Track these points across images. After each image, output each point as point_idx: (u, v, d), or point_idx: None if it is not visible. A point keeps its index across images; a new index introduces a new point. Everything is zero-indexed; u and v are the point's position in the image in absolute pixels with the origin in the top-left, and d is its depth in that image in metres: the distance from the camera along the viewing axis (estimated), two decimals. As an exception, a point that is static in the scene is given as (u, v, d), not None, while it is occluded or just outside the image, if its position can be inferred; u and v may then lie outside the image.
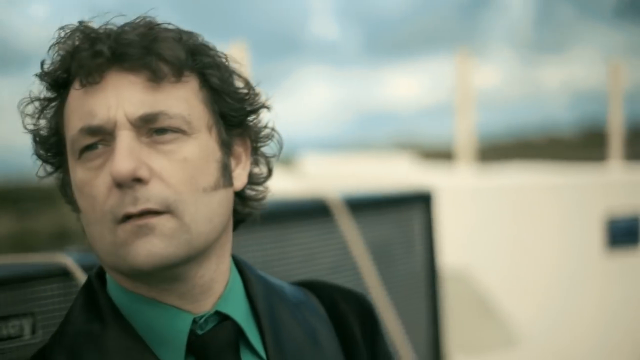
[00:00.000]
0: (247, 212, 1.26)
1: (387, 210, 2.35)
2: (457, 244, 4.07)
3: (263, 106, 1.25)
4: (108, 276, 1.21)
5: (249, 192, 1.26)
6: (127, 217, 1.11)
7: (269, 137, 1.28)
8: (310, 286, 1.28)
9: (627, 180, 5.04)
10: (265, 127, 1.27)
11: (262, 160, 1.28)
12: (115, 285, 1.19)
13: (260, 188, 1.28)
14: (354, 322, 1.21)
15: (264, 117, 1.27)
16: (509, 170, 5.40)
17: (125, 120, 1.13)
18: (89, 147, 1.14)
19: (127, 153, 1.11)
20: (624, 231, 4.94)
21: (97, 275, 1.22)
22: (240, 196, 1.24)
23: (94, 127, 1.13)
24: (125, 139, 1.12)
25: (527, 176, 4.99)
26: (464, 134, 4.96)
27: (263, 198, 1.27)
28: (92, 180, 1.14)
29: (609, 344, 4.82)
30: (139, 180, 1.11)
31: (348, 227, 2.14)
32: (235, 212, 1.24)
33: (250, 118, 1.24)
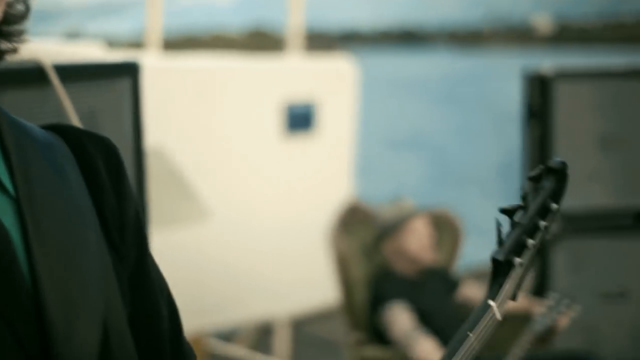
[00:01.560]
0: None
1: (97, 79, 2.39)
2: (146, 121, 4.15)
3: None
4: None
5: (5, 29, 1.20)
6: None
7: None
8: (58, 129, 1.27)
9: (303, 69, 5.33)
10: None
11: None
12: None
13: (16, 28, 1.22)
14: (99, 163, 1.22)
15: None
16: (198, 57, 5.52)
17: None
18: None
19: None
20: (300, 117, 5.26)
21: None
22: None
23: None
24: None
25: (213, 61, 5.13)
26: (152, 25, 5.00)
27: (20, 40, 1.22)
28: None
29: (289, 218, 5.17)
30: None
31: (61, 93, 2.16)
32: None
33: None
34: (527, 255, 1.30)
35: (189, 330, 4.77)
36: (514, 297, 1.31)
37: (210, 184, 4.78)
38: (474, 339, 1.27)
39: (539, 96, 4.79)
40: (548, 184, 1.33)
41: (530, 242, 1.31)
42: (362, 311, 3.64)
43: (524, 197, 1.31)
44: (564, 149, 4.83)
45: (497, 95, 30.40)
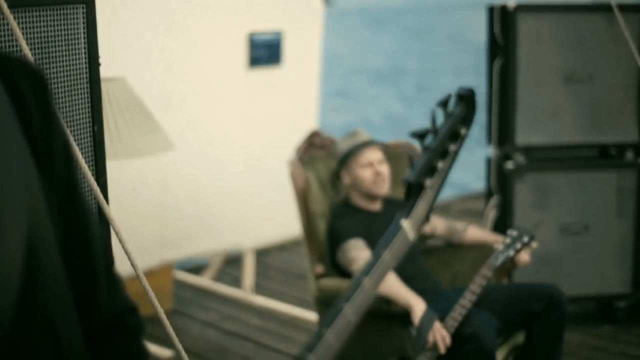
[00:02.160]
0: None
1: (50, 6, 2.35)
2: (109, 53, 4.10)
3: None
4: None
5: None
6: None
7: None
8: None
9: (268, 2, 5.26)
10: None
11: None
12: None
13: None
14: (25, 87, 1.21)
15: None
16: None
17: None
18: None
19: None
20: (265, 47, 5.21)
21: None
22: None
23: None
24: None
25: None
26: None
27: None
28: None
29: (254, 150, 5.16)
30: None
31: (11, 21, 2.12)
32: None
33: None
34: (438, 177, 1.33)
35: (155, 261, 4.78)
36: (427, 218, 1.34)
37: (175, 115, 4.75)
38: (388, 257, 1.29)
39: (502, 29, 4.77)
40: (458, 110, 1.35)
41: (440, 165, 1.34)
42: (323, 244, 3.66)
43: (434, 122, 1.34)
44: (528, 83, 4.83)
45: (469, 26, 30.27)
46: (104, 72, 4.08)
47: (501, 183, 4.92)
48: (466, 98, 1.34)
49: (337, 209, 3.71)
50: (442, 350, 3.16)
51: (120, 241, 2.37)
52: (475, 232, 3.89)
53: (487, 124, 5.07)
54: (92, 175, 2.60)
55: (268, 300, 5.33)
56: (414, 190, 1.32)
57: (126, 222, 4.66)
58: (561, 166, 4.95)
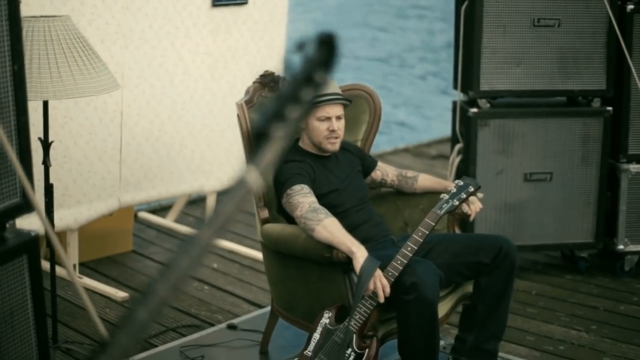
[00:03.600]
0: None
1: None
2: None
3: None
4: None
5: None
6: None
7: None
8: None
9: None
10: None
11: None
12: None
13: None
14: None
15: None
16: None
17: None
18: None
19: None
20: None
21: None
22: None
23: None
24: None
25: None
26: None
27: None
28: None
29: (218, 91, 5.06)
30: None
31: None
32: None
33: None
34: (289, 125, 1.25)
35: (114, 203, 4.70)
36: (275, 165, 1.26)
37: (134, 54, 4.64)
38: (229, 207, 1.22)
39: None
40: (316, 55, 1.26)
41: (293, 112, 1.25)
42: (270, 188, 3.59)
43: (288, 68, 1.25)
44: (493, 28, 4.73)
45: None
46: (55, 10, 3.99)
47: (466, 129, 4.84)
48: (326, 43, 1.25)
49: (284, 153, 3.63)
50: (381, 299, 3.12)
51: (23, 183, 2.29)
52: (427, 180, 3.83)
53: (454, 69, 4.98)
54: (13, 115, 2.52)
55: (229, 243, 5.28)
56: (261, 138, 1.25)
57: (84, 162, 4.60)
58: (526, 113, 4.87)
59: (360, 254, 3.14)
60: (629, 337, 4.33)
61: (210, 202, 5.37)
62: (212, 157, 5.16)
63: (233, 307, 4.54)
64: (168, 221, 5.61)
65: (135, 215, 5.63)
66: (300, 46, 1.26)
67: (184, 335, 4.14)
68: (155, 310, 1.17)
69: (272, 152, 1.25)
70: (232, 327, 4.13)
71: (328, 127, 3.50)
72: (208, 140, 5.11)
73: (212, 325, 4.26)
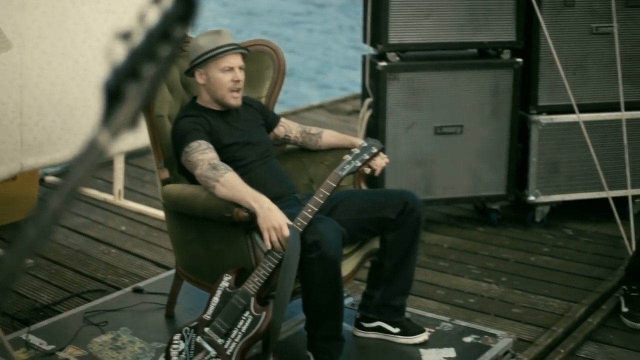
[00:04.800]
0: None
1: None
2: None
3: None
4: None
5: None
6: None
7: None
8: None
9: None
10: None
11: None
12: None
13: None
14: None
15: None
16: None
17: None
18: None
19: None
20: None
21: None
22: None
23: None
24: None
25: None
26: None
27: None
28: None
29: (118, 48, 4.89)
30: None
31: None
32: None
33: None
34: (144, 83, 1.14)
35: (16, 167, 4.52)
36: (132, 124, 1.14)
37: (32, 14, 4.45)
38: (80, 172, 1.12)
39: None
40: (173, 8, 1.15)
41: (147, 69, 1.14)
42: (168, 148, 3.48)
43: (141, 21, 1.14)
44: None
45: None
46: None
47: (375, 83, 4.78)
48: (185, -5, 1.15)
49: (182, 110, 3.52)
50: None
51: None
52: (331, 137, 3.75)
53: (363, 23, 4.91)
54: None
55: (137, 205, 5.17)
56: (113, 98, 1.14)
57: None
58: (435, 66, 4.82)
59: (259, 206, 3.06)
60: (538, 288, 4.36)
61: (118, 164, 5.23)
62: (117, 116, 5.00)
63: (140, 270, 4.44)
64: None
65: (42, 180, 5.46)
66: (157, 1, 1.15)
67: (89, 301, 4.02)
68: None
69: (125, 113, 1.15)
70: (138, 290, 4.03)
71: (232, 77, 3.39)
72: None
73: (118, 289, 4.15)
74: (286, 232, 3.03)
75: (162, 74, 1.19)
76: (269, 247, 3.05)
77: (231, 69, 3.40)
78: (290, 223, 3.06)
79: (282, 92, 3.91)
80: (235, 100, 3.43)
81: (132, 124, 1.19)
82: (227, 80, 3.40)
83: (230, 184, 3.12)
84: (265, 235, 3.04)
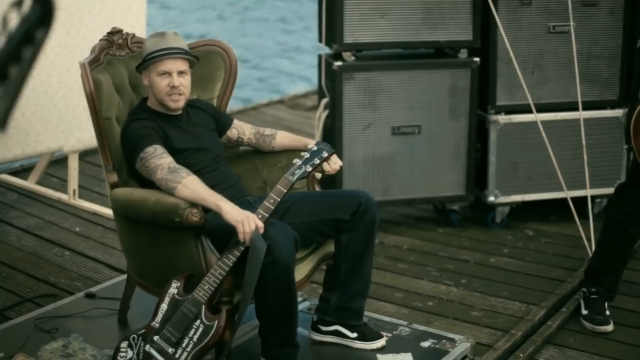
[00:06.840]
0: None
1: None
2: None
3: None
4: None
5: None
6: None
7: None
8: None
9: None
10: None
11: None
12: None
13: None
14: None
15: None
16: None
17: None
18: None
19: None
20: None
21: None
22: None
23: None
24: None
25: None
26: None
27: None
28: None
29: (73, 45, 4.81)
30: None
31: None
32: None
33: None
34: (10, 84, 1.16)
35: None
36: (1, 126, 1.17)
37: None
38: None
39: None
40: (32, 11, 1.15)
41: (13, 70, 1.17)
42: (116, 151, 3.40)
43: (4, 24, 1.14)
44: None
45: None
46: None
47: (331, 83, 4.73)
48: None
49: (131, 113, 3.44)
50: (248, 242, 2.96)
51: None
52: (285, 138, 3.69)
53: (318, 22, 4.85)
54: None
55: (92, 205, 5.08)
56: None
57: None
58: (392, 65, 4.77)
59: (229, 206, 3.01)
60: (497, 290, 4.33)
61: (73, 163, 5.14)
62: (71, 116, 4.92)
63: (94, 273, 4.36)
64: (30, 183, 5.36)
65: (-3, 180, 5.36)
66: (18, 3, 1.13)
67: (41, 306, 3.94)
68: None
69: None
70: (90, 295, 3.95)
71: (169, 82, 3.32)
72: (66, 99, 4.87)
73: (71, 293, 4.07)
74: (259, 221, 2.98)
75: (26, 75, 1.21)
76: (243, 239, 2.98)
77: (169, 74, 3.32)
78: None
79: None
80: (174, 103, 3.36)
81: (1, 125, 1.20)
82: (163, 85, 3.33)
83: (193, 185, 3.07)
84: (239, 228, 2.97)
